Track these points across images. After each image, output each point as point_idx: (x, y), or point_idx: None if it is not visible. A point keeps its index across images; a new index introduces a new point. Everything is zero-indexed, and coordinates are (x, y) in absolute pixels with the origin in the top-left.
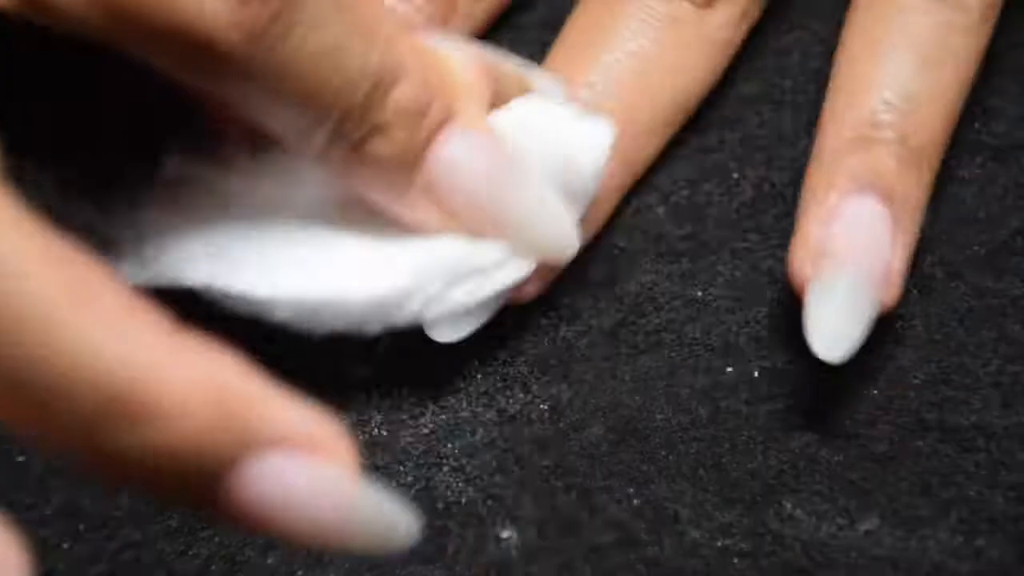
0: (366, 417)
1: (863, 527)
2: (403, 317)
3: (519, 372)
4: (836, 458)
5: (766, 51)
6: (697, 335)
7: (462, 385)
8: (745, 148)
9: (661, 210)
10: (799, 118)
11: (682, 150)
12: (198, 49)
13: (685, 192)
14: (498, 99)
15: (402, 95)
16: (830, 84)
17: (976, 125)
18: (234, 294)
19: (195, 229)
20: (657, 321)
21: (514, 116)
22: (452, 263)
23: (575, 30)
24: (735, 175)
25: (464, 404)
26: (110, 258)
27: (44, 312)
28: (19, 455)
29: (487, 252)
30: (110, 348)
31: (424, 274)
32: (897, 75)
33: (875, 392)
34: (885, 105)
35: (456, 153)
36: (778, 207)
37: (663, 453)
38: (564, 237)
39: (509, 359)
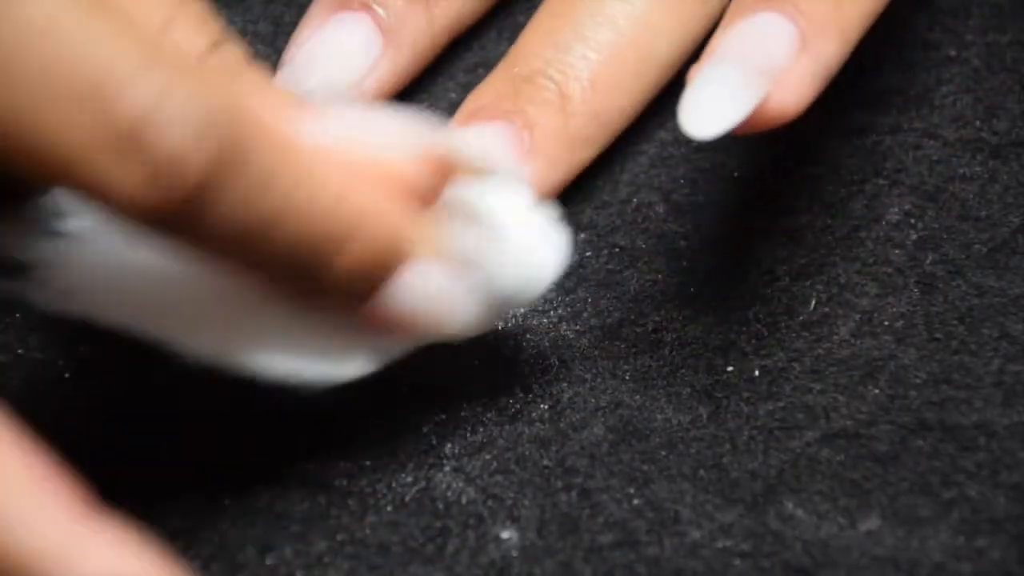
0: (366, 418)
1: (864, 527)
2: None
3: (519, 372)
4: (837, 458)
5: None
6: (697, 335)
7: (462, 385)
8: (745, 148)
9: (662, 209)
10: (799, 117)
11: (682, 150)
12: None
13: (685, 191)
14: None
15: (352, 255)
16: None
17: (977, 123)
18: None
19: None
20: (657, 320)
21: (472, 210)
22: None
23: None
24: (735, 175)
25: (464, 404)
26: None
27: None
28: None
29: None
30: (17, 527)
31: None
32: None
33: (876, 391)
34: None
35: (408, 290)
36: (778, 206)
37: (663, 453)
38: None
39: (509, 359)
